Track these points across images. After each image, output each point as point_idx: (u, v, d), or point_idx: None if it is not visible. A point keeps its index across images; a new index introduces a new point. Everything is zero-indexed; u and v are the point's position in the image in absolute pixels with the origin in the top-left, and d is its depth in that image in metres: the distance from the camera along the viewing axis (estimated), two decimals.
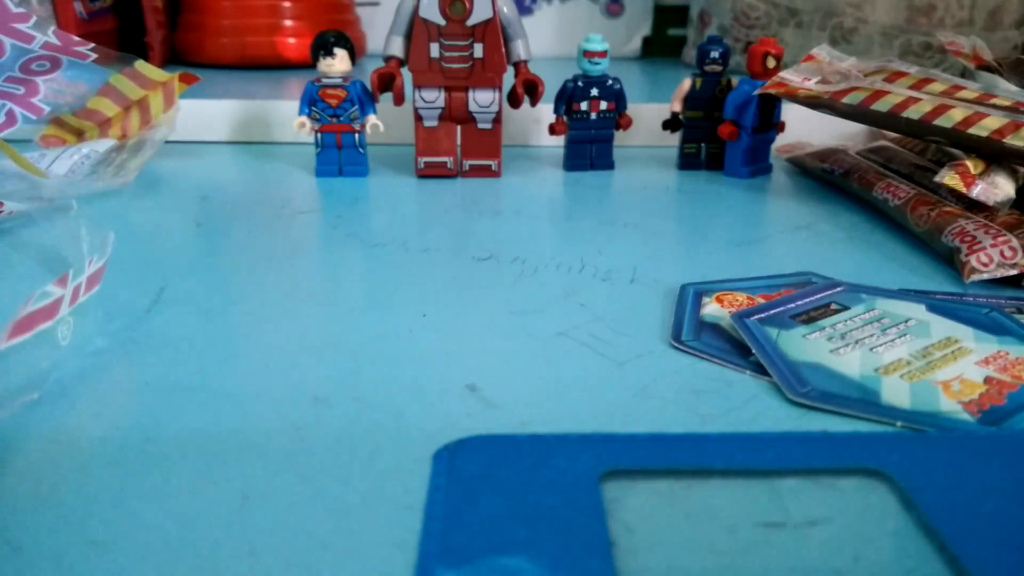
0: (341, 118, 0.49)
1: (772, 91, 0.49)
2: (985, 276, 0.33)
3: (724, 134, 0.51)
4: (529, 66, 0.50)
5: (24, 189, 0.41)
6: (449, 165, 0.51)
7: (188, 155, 0.56)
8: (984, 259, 0.33)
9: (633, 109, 0.54)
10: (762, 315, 0.29)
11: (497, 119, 0.50)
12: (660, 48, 1.01)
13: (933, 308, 0.30)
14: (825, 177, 0.50)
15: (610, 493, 0.19)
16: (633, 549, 0.18)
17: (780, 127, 0.53)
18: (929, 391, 0.24)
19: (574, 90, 0.51)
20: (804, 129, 0.59)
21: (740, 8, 0.80)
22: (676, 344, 0.28)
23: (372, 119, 0.49)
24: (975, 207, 0.39)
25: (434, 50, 0.48)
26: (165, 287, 0.32)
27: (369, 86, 0.49)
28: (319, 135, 0.49)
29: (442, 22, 0.47)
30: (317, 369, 0.26)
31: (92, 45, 0.45)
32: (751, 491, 0.19)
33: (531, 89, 0.50)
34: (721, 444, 0.21)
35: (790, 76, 0.49)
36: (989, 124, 0.38)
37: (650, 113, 0.59)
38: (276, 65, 0.81)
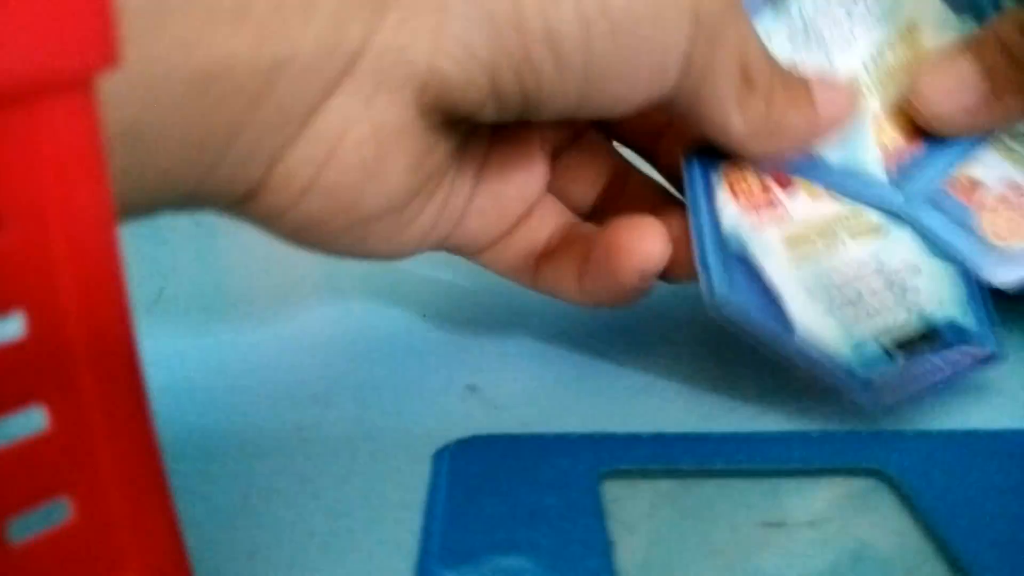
0: None
1: None
2: None
3: None
4: None
5: None
6: None
7: None
8: None
9: None
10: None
11: None
12: None
13: None
14: None
15: (610, 493, 0.19)
16: (633, 549, 0.18)
17: None
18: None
19: None
20: None
21: None
22: (713, 305, 0.21)
23: None
24: None
25: None
26: (165, 287, 0.32)
27: None
28: None
29: None
30: (317, 369, 0.26)
31: None
32: (751, 491, 0.19)
33: None
34: (721, 444, 0.21)
35: None
36: None
37: None
38: None
